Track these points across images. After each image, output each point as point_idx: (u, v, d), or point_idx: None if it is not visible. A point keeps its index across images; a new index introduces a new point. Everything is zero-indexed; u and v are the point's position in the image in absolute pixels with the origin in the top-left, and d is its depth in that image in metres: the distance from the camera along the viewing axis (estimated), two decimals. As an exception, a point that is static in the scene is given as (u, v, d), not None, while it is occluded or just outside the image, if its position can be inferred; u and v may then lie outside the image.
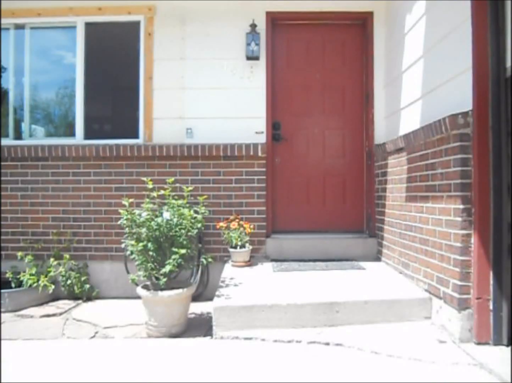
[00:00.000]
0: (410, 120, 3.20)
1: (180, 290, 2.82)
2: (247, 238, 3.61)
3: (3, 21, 4.02)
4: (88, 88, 4.15)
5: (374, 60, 4.00)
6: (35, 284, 3.52)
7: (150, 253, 2.83)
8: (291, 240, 3.92)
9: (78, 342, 2.71)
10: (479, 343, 2.28)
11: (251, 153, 3.86)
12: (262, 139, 3.95)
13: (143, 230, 2.83)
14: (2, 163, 3.94)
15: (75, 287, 3.69)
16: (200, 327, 2.94)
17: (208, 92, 4.00)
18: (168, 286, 2.81)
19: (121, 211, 2.93)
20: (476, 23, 2.30)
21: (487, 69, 2.28)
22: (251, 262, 3.66)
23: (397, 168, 3.36)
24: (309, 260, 3.66)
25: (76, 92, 4.13)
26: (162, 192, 3.09)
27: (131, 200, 3.01)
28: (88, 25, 4.13)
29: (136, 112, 4.10)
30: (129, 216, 2.87)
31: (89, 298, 3.75)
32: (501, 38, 2.26)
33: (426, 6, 2.93)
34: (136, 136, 4.07)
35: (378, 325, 2.59)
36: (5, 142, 4.04)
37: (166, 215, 2.89)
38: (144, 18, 4.05)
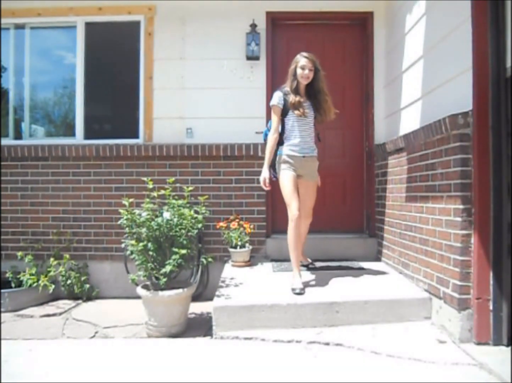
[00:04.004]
0: (410, 120, 3.20)
1: (180, 290, 2.82)
2: (247, 238, 3.61)
3: (3, 21, 4.02)
4: (88, 88, 4.15)
5: (374, 60, 4.00)
6: (35, 284, 3.51)
7: (150, 253, 2.83)
8: (291, 240, 3.91)
9: (78, 342, 2.71)
10: (479, 343, 2.28)
11: (251, 153, 3.86)
12: (262, 139, 3.94)
13: (143, 230, 2.83)
14: (2, 163, 3.94)
15: (75, 287, 3.69)
16: (200, 327, 2.94)
17: (208, 92, 4.00)
18: (168, 286, 2.81)
19: (121, 211, 2.92)
20: (476, 23, 2.30)
21: (487, 69, 2.28)
22: (251, 262, 3.66)
23: (397, 168, 3.36)
24: (309, 260, 3.66)
25: (76, 92, 4.13)
26: (162, 192, 3.08)
27: (131, 200, 3.00)
28: (88, 25, 4.13)
29: (136, 112, 4.10)
30: (129, 216, 2.87)
31: (89, 298, 3.75)
32: (501, 38, 2.26)
33: (426, 6, 2.93)
34: (136, 136, 4.07)
35: (378, 325, 2.59)
36: (5, 142, 4.04)
37: (166, 215, 2.89)
38: (144, 18, 4.05)
